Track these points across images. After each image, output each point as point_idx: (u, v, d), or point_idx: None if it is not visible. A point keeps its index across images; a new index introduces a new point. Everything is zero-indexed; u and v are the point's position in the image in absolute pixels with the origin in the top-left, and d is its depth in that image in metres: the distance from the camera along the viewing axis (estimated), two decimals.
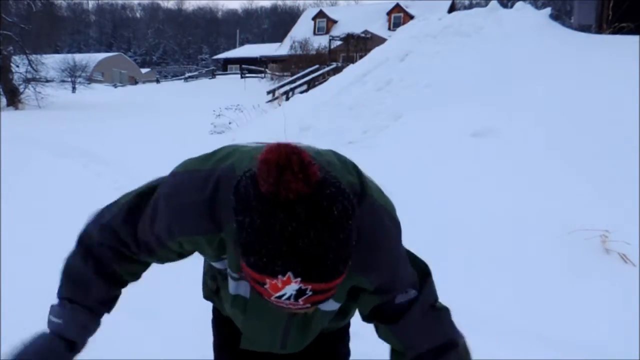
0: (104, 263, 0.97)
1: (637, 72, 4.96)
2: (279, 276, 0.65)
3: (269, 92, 17.35)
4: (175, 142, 8.31)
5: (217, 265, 0.96)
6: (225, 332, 1.16)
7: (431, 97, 6.33)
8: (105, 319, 1.03)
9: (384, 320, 0.94)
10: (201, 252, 0.95)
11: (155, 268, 1.06)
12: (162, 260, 0.99)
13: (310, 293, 0.67)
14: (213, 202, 0.84)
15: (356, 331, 2.44)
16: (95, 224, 0.99)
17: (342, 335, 1.23)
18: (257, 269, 0.67)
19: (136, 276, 1.05)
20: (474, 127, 5.10)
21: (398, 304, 0.91)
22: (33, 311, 2.50)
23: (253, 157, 0.80)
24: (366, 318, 0.98)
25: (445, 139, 5.07)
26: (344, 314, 1.06)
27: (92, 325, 0.98)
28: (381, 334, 0.99)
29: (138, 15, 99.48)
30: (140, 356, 2.15)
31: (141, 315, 2.47)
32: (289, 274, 0.65)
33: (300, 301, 0.68)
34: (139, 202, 0.95)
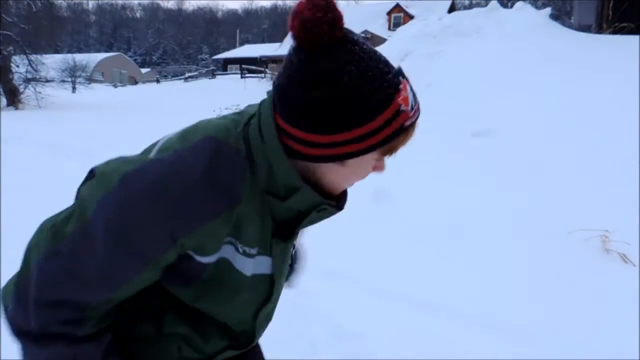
0: (71, 336, 0.72)
1: (637, 72, 4.97)
2: (400, 86, 0.71)
3: (269, 92, 17.30)
4: None
5: (207, 259, 0.77)
6: None
7: (431, 97, 6.33)
8: None
9: None
10: (203, 246, 0.75)
11: None
12: (127, 291, 0.74)
13: (414, 91, 0.75)
14: (211, 176, 0.71)
15: (354, 331, 2.44)
16: (23, 306, 0.70)
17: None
18: (387, 94, 0.70)
19: None
20: (474, 127, 5.10)
21: None
22: None
23: (227, 128, 0.77)
24: None
25: (445, 138, 5.07)
26: None
27: None
28: None
29: (138, 15, 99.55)
30: None
31: None
32: (401, 78, 0.72)
33: (417, 100, 0.75)
34: (71, 241, 0.69)
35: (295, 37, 0.69)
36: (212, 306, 0.84)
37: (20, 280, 0.70)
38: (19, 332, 0.71)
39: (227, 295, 0.82)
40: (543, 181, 3.94)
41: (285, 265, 0.89)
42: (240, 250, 0.79)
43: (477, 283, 2.92)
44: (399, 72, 0.73)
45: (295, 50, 0.71)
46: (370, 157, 0.74)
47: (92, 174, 0.75)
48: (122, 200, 0.69)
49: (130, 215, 0.68)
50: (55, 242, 0.69)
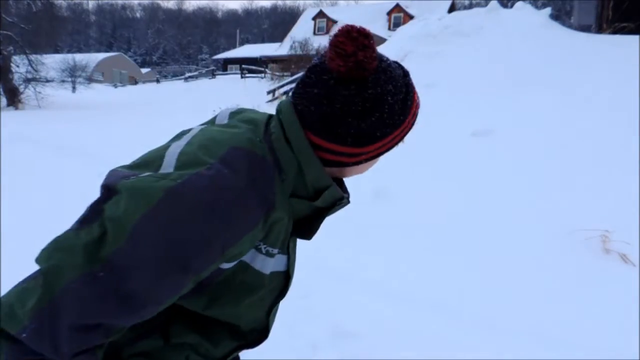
0: None
1: (637, 72, 4.97)
2: (411, 83, 0.84)
3: (269, 92, 17.34)
4: None
5: (228, 265, 0.78)
6: None
7: (431, 97, 6.33)
8: None
9: None
10: (240, 254, 0.76)
11: None
12: (169, 303, 0.72)
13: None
14: (253, 184, 0.73)
15: (354, 331, 2.44)
16: (51, 331, 0.63)
17: None
18: (410, 99, 0.82)
19: None
20: (474, 127, 5.10)
21: None
22: None
23: (248, 138, 0.80)
24: None
25: (445, 138, 5.07)
26: None
27: None
28: None
29: (138, 15, 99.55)
30: None
31: None
32: (404, 71, 0.85)
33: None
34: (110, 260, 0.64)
35: (343, 73, 0.76)
36: (224, 310, 0.83)
37: (43, 303, 0.63)
38: (27, 354, 0.64)
39: (240, 296, 0.83)
40: (543, 181, 3.94)
41: (295, 261, 0.95)
42: (264, 251, 0.81)
43: (477, 283, 2.92)
44: (402, 66, 0.85)
45: (342, 83, 0.77)
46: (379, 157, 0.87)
47: (111, 190, 0.69)
48: (172, 215, 0.66)
49: (182, 230, 0.66)
50: (91, 266, 0.63)
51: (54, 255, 0.65)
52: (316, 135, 0.80)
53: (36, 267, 0.67)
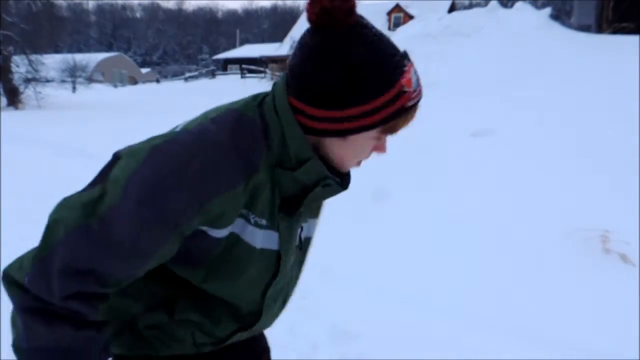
0: (82, 318, 0.73)
1: (637, 72, 4.97)
2: (405, 68, 0.76)
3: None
4: None
5: (221, 233, 0.79)
6: None
7: (431, 97, 6.32)
8: None
9: None
10: (225, 215, 0.77)
11: None
12: (151, 265, 0.76)
13: (416, 74, 0.79)
14: (235, 144, 0.76)
15: (354, 331, 2.44)
16: (46, 274, 0.70)
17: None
18: (393, 75, 0.75)
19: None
20: (474, 127, 5.10)
21: None
22: None
23: (254, 105, 0.84)
24: None
25: (445, 138, 5.07)
26: None
27: None
28: None
29: (138, 15, 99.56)
30: None
31: None
32: (406, 61, 0.77)
33: (420, 82, 0.79)
34: (105, 204, 0.71)
35: (313, 21, 0.77)
36: (221, 286, 0.85)
37: (43, 252, 0.70)
38: (31, 305, 0.71)
39: (235, 271, 0.84)
40: (543, 181, 3.94)
41: (292, 244, 0.91)
42: (252, 221, 0.81)
43: (476, 283, 2.92)
44: (405, 55, 0.80)
45: (311, 34, 0.78)
46: (371, 135, 0.79)
47: (116, 157, 0.76)
48: (152, 169, 0.71)
49: (160, 182, 0.70)
50: (87, 219, 0.70)
51: (58, 211, 0.73)
52: (295, 97, 0.79)
53: None
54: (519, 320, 2.56)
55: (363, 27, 0.78)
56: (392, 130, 0.80)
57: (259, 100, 0.85)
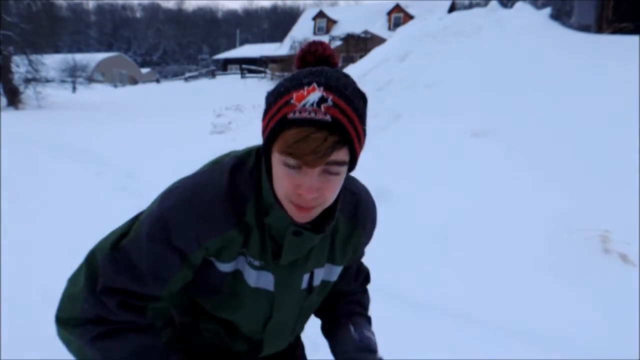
0: (137, 325, 0.86)
1: (637, 72, 4.97)
2: (305, 87, 0.75)
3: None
4: (176, 142, 8.32)
5: (226, 268, 0.89)
6: None
7: (431, 97, 6.33)
8: None
9: (344, 274, 1.09)
10: (224, 252, 0.87)
11: None
12: (173, 287, 0.88)
13: (331, 102, 0.74)
14: (233, 190, 0.84)
15: None
16: (97, 297, 0.84)
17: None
18: (285, 88, 0.77)
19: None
20: (474, 127, 5.10)
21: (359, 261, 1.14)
22: (33, 310, 2.50)
23: (253, 151, 0.90)
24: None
25: (445, 139, 5.07)
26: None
27: None
28: None
29: (138, 15, 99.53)
30: None
31: None
32: (314, 84, 0.75)
33: (322, 107, 0.74)
34: (127, 241, 0.85)
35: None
36: (228, 315, 0.96)
37: (88, 280, 0.84)
38: (98, 332, 0.82)
39: (235, 305, 0.93)
40: (543, 181, 3.94)
41: (290, 287, 0.94)
42: (247, 261, 0.89)
43: (476, 283, 2.92)
44: (323, 83, 0.76)
45: None
46: (277, 159, 0.77)
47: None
48: (161, 210, 0.84)
49: (167, 221, 0.82)
50: (112, 252, 0.85)
51: (96, 246, 0.88)
52: None
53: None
54: (518, 320, 2.56)
55: (305, 70, 0.83)
56: (287, 151, 0.74)
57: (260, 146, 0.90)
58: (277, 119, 0.75)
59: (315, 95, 0.74)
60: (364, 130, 0.81)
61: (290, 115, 0.74)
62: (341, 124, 0.74)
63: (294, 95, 0.75)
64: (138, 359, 0.84)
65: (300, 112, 0.73)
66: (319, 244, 0.93)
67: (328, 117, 0.73)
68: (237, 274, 0.90)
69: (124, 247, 0.84)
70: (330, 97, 0.74)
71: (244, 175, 0.86)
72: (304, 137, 0.72)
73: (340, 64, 19.12)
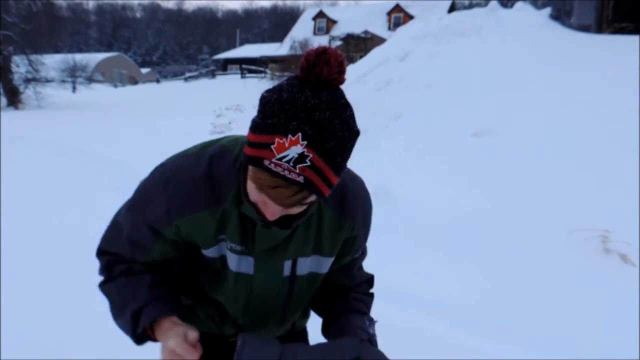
0: (130, 269, 0.99)
1: (637, 72, 4.97)
2: (289, 135, 0.71)
3: None
4: (176, 142, 8.31)
5: (210, 253, 0.94)
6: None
7: (431, 97, 6.33)
8: None
9: (342, 269, 1.09)
10: (197, 236, 0.92)
11: None
12: (160, 256, 0.96)
13: (308, 163, 0.72)
14: (210, 176, 0.88)
15: None
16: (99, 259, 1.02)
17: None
18: (271, 129, 0.72)
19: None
20: (474, 127, 5.10)
21: (357, 256, 1.12)
22: (33, 309, 2.51)
23: (243, 142, 0.89)
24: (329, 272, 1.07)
25: (445, 139, 5.07)
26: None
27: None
28: (331, 274, 1.08)
29: (138, 15, 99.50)
30: None
31: None
32: (299, 134, 0.71)
33: (297, 168, 0.72)
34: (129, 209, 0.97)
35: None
36: (218, 296, 1.01)
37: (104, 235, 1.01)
38: (100, 279, 1.00)
39: (223, 288, 0.99)
40: (543, 181, 3.94)
41: (270, 272, 0.96)
42: (228, 246, 0.93)
43: (477, 283, 2.92)
44: (309, 136, 0.71)
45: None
46: (250, 177, 0.77)
47: None
48: (144, 184, 0.94)
49: (144, 194, 0.93)
50: (116, 217, 0.99)
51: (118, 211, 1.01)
52: None
53: None
54: (518, 320, 2.56)
55: (294, 87, 0.76)
56: (257, 186, 0.76)
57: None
58: (255, 155, 0.73)
59: (295, 150, 0.71)
60: (344, 166, 0.78)
61: (266, 163, 0.72)
62: (313, 185, 0.73)
63: (276, 142, 0.71)
64: (122, 293, 0.95)
65: (275, 166, 0.72)
66: (302, 233, 0.94)
67: (301, 179, 0.72)
68: (223, 259, 0.95)
69: (120, 213, 0.98)
70: (310, 157, 0.71)
71: (226, 164, 0.89)
72: (274, 186, 0.73)
73: None
